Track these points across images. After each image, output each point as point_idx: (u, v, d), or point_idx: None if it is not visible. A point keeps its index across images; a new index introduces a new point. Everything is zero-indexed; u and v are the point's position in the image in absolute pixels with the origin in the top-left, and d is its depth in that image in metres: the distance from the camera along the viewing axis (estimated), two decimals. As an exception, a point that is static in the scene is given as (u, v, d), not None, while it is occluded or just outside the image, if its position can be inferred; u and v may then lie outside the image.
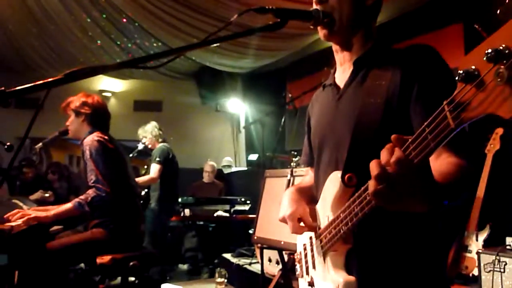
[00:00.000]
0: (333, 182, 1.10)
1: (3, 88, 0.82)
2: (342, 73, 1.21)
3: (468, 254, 2.67)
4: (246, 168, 7.13)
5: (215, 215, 5.60)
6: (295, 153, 4.35)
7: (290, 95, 4.15)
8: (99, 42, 6.28)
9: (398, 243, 1.04)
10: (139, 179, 4.35)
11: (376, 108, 1.03)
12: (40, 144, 2.83)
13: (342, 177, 1.01)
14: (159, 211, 4.44)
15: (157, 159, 4.34)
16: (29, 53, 6.62)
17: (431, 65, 1.01)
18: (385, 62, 1.08)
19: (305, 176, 1.47)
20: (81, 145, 2.54)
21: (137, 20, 5.70)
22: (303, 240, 1.28)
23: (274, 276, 3.22)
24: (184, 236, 5.45)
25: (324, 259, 1.10)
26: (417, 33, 4.39)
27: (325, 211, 1.13)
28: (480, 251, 2.40)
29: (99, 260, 2.30)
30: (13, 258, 2.80)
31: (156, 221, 4.41)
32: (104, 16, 5.76)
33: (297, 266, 1.33)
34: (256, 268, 3.96)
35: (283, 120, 4.29)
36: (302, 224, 1.20)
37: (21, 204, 2.50)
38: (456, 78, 0.65)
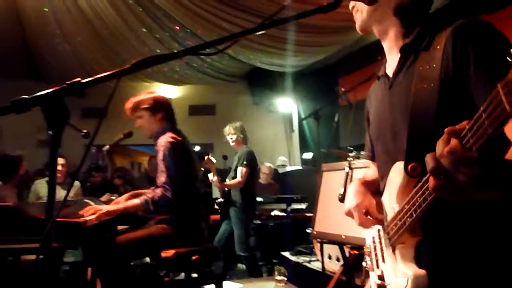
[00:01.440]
0: (397, 172, 1.07)
1: (79, 79, 0.88)
2: (391, 62, 1.18)
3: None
4: (300, 167, 7.09)
5: (272, 214, 5.62)
6: (351, 148, 4.26)
7: (343, 89, 4.06)
8: (158, 51, 6.58)
9: (470, 233, 0.97)
10: (226, 184, 4.47)
11: (431, 93, 0.98)
12: (107, 146, 3.00)
13: (405, 167, 0.98)
14: (244, 213, 4.48)
15: (244, 162, 4.41)
16: (91, 63, 7.08)
17: (486, 38, 0.93)
18: (435, 44, 1.02)
19: (368, 169, 1.44)
20: (155, 145, 2.58)
21: (188, 27, 5.90)
22: (371, 233, 1.26)
23: (335, 273, 3.16)
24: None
25: (393, 252, 1.07)
26: (477, 14, 4.13)
27: (390, 203, 1.10)
28: None
29: (163, 254, 2.39)
30: (86, 251, 3.01)
31: (241, 223, 4.47)
32: (158, 25, 6.03)
33: (367, 259, 1.30)
34: (315, 265, 3.91)
35: (337, 116, 4.20)
36: (368, 217, 1.18)
37: (92, 203, 2.66)
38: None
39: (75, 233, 1.96)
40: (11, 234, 1.90)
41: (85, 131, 0.91)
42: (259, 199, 5.27)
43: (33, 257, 3.64)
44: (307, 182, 6.06)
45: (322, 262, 3.07)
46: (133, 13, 5.77)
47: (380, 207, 1.18)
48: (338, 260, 3.41)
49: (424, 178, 0.86)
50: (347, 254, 2.87)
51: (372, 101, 1.30)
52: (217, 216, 4.73)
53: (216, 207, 4.61)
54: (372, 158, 1.36)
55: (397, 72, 1.12)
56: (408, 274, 0.97)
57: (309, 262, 4.05)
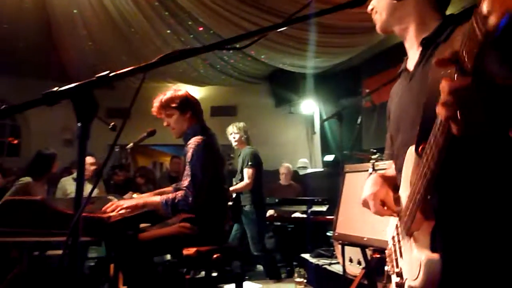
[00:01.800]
0: (409, 158, 1.06)
1: (108, 72, 0.90)
2: (412, 57, 1.19)
3: None
4: (322, 169, 7.03)
5: (292, 216, 5.59)
6: (375, 150, 4.19)
7: (367, 90, 4.00)
8: (197, 59, 6.67)
9: (486, 217, 0.95)
10: (235, 188, 4.46)
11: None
12: (131, 144, 3.05)
13: (416, 149, 0.98)
14: (255, 213, 4.47)
15: (250, 163, 4.39)
16: (116, 64, 7.22)
17: None
18: (454, 35, 1.04)
19: (388, 169, 1.43)
20: (185, 144, 2.56)
21: (211, 28, 5.95)
22: (391, 233, 1.25)
23: (355, 276, 3.11)
24: (262, 237, 5.50)
25: (409, 242, 1.04)
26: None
27: (405, 191, 1.08)
28: None
29: (185, 252, 2.41)
30: (109, 247, 3.06)
31: (253, 224, 4.46)
32: (182, 26, 6.10)
33: (388, 262, 1.28)
34: (336, 268, 3.87)
35: (360, 118, 4.15)
36: (385, 208, 1.18)
37: (115, 200, 2.71)
38: None
39: (98, 228, 2.00)
40: (38, 228, 1.95)
41: (112, 123, 0.93)
42: (278, 200, 5.26)
43: (58, 252, 3.75)
44: (328, 184, 6.00)
45: (343, 265, 3.02)
46: (157, 14, 5.85)
47: (398, 201, 1.17)
48: (359, 263, 3.36)
49: (427, 146, 0.86)
50: (368, 257, 2.83)
51: (393, 99, 1.31)
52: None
53: None
54: (393, 157, 1.35)
55: (417, 65, 1.14)
56: (421, 258, 0.94)
57: (329, 264, 4.01)
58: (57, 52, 7.14)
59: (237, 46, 0.98)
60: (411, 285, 0.99)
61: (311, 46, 5.60)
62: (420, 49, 1.13)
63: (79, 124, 0.87)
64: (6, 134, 8.56)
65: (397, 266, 1.15)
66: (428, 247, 0.97)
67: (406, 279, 1.06)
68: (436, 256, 0.93)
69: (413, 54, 1.18)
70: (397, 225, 1.17)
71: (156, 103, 2.58)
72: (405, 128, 1.16)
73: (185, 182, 2.41)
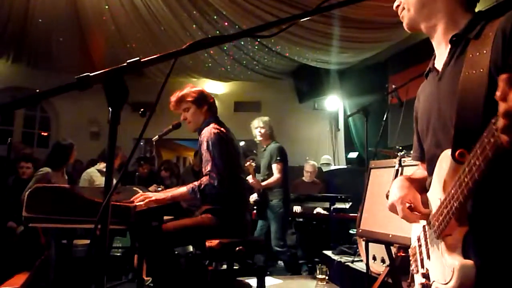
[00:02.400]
0: (444, 161, 1.04)
1: (139, 58, 0.91)
2: (440, 56, 1.16)
3: None
4: (345, 166, 6.95)
5: (314, 212, 5.56)
6: (400, 147, 4.10)
7: (393, 86, 3.91)
8: (217, 50, 6.72)
9: None
10: (268, 182, 4.46)
11: (481, 79, 0.96)
12: (156, 137, 3.08)
13: (453, 153, 0.95)
14: (282, 208, 4.46)
15: (278, 158, 4.39)
16: (144, 61, 7.35)
17: None
18: (486, 32, 1.00)
19: (417, 169, 1.41)
20: (199, 136, 2.63)
21: (237, 22, 5.96)
22: (416, 232, 1.23)
23: (379, 275, 3.06)
24: (284, 233, 5.49)
25: (439, 245, 1.03)
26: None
27: (436, 194, 1.06)
28: None
29: (208, 244, 2.42)
30: (134, 237, 3.11)
31: (278, 218, 4.45)
32: (208, 21, 6.14)
33: (412, 261, 1.26)
34: (359, 266, 3.82)
35: (385, 115, 4.07)
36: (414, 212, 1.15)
37: (140, 191, 2.75)
38: None
39: (124, 216, 2.04)
40: (66, 215, 2.00)
41: (142, 109, 0.94)
42: (301, 196, 5.23)
43: (85, 241, 3.85)
44: (351, 181, 5.94)
45: (367, 262, 2.97)
46: (184, 9, 5.91)
47: (425, 203, 1.15)
48: (383, 261, 3.30)
49: (471, 154, 0.82)
50: (393, 255, 2.78)
51: (421, 99, 1.28)
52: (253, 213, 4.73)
53: (252, 203, 4.59)
54: (420, 158, 1.34)
55: (447, 63, 1.11)
56: (454, 264, 0.94)
57: (352, 262, 3.96)
58: (88, 47, 7.32)
59: (266, 34, 0.96)
60: None
61: (337, 41, 5.54)
62: (449, 47, 1.10)
63: (110, 109, 0.88)
64: (37, 126, 8.84)
65: (422, 267, 1.15)
66: (459, 253, 0.97)
67: (434, 281, 1.05)
68: (470, 262, 0.93)
69: (441, 52, 1.15)
70: (424, 226, 1.16)
71: (173, 98, 2.68)
72: (434, 129, 1.14)
73: (207, 167, 2.45)
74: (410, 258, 1.27)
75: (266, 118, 4.63)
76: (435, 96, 1.15)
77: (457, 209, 0.92)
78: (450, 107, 1.05)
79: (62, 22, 6.67)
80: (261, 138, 4.60)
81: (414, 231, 1.26)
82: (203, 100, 2.66)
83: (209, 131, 2.54)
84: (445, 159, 1.03)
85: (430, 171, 1.16)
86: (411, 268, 1.25)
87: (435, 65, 1.18)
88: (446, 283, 0.95)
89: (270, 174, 4.49)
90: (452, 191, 0.93)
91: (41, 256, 3.39)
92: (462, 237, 0.98)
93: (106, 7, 6.19)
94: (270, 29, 1.00)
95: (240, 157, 2.76)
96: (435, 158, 1.11)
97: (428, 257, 1.10)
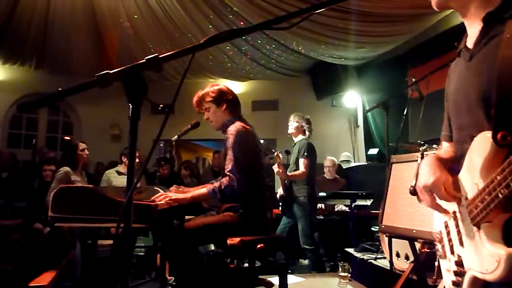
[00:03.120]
0: (482, 144, 0.98)
1: (156, 54, 0.91)
2: (472, 34, 1.12)
3: None
4: (365, 163, 6.86)
5: (335, 209, 5.51)
6: (422, 142, 4.02)
7: (413, 79, 3.84)
8: (228, 47, 6.73)
9: None
10: (292, 174, 4.44)
11: None
12: (176, 136, 3.11)
13: (494, 136, 0.91)
14: (309, 205, 4.44)
15: (305, 154, 4.39)
16: (164, 66, 7.42)
17: None
18: None
19: (444, 148, 1.36)
20: (225, 133, 2.64)
21: (252, 22, 5.95)
22: (443, 218, 1.19)
23: (403, 271, 3.01)
24: (304, 231, 5.46)
25: (476, 233, 0.99)
26: None
27: (472, 179, 1.01)
28: None
29: (229, 241, 2.42)
30: (156, 236, 3.14)
31: (306, 216, 4.42)
32: (224, 21, 6.16)
33: (438, 246, 1.22)
34: (382, 263, 3.76)
35: (405, 109, 4.00)
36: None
37: (161, 191, 2.78)
38: None
39: (146, 215, 2.06)
40: (90, 214, 2.03)
41: (161, 105, 0.94)
42: (322, 194, 5.19)
43: (109, 242, 3.91)
44: (372, 178, 5.85)
45: (391, 258, 2.92)
46: (199, 9, 5.94)
47: (456, 185, 1.10)
48: (407, 258, 3.25)
49: None
50: (417, 251, 2.72)
51: (452, 79, 1.24)
52: (277, 210, 4.71)
53: (278, 198, 4.58)
54: (449, 138, 1.29)
55: (477, 43, 1.07)
56: (500, 254, 0.90)
57: (375, 259, 3.90)
58: (106, 51, 7.45)
59: (285, 25, 0.96)
60: (482, 278, 0.96)
61: (354, 36, 5.47)
62: (481, 25, 1.06)
63: (130, 105, 0.89)
64: (60, 131, 9.05)
65: (453, 253, 1.11)
66: (500, 240, 0.93)
67: (470, 269, 1.02)
68: None
69: (473, 31, 1.11)
70: (455, 211, 1.11)
71: (194, 98, 2.72)
72: (466, 109, 1.10)
73: (229, 166, 2.46)
74: (436, 243, 1.23)
75: (301, 114, 4.69)
76: (464, 77, 1.11)
77: (506, 197, 0.87)
78: (476, 88, 1.02)
79: (81, 28, 6.82)
80: (293, 131, 4.62)
81: (439, 215, 1.21)
82: (222, 99, 2.67)
83: (235, 128, 2.54)
84: (483, 141, 0.98)
85: (460, 153, 1.12)
86: (438, 254, 1.21)
87: (467, 44, 1.13)
88: (490, 273, 0.92)
89: (297, 169, 4.49)
90: (499, 178, 0.88)
91: (67, 255, 3.47)
92: (502, 224, 0.94)
93: (122, 10, 6.29)
94: (288, 20, 0.99)
95: (262, 155, 2.75)
96: (464, 140, 1.07)
97: (461, 243, 1.06)
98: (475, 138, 1.02)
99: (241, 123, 2.61)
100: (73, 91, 0.85)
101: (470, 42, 1.12)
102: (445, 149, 1.32)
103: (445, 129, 1.33)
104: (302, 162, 4.39)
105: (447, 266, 1.15)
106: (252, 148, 2.56)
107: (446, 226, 1.16)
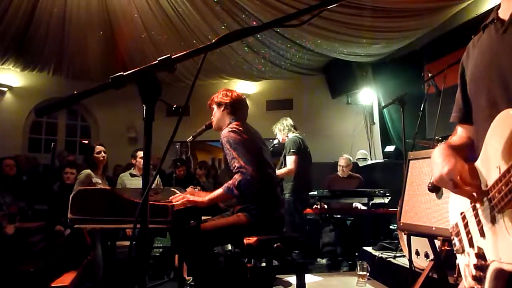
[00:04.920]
0: (504, 123, 0.91)
1: (169, 55, 0.92)
2: (507, 6, 1.05)
3: None
4: (382, 160, 6.78)
5: (353, 206, 5.46)
6: (440, 138, 3.94)
7: (430, 74, 3.77)
8: (246, 49, 6.74)
9: None
10: (278, 172, 4.46)
11: None
12: (191, 137, 3.13)
13: None
14: (293, 201, 4.46)
15: (291, 150, 4.39)
16: (178, 68, 7.49)
17: None
18: None
19: (452, 136, 1.29)
20: (220, 138, 2.66)
21: (264, 20, 5.95)
22: (459, 208, 1.12)
23: (423, 270, 2.96)
24: (321, 230, 5.44)
25: (499, 221, 0.92)
26: None
27: (493, 162, 0.94)
28: None
29: (246, 241, 2.43)
30: (174, 238, 3.17)
31: (293, 211, 4.45)
32: (236, 21, 6.17)
33: (455, 240, 1.16)
34: (401, 261, 3.71)
35: (422, 105, 3.93)
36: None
37: (178, 192, 2.81)
38: None
39: (163, 215, 2.08)
40: (109, 215, 2.06)
41: (175, 106, 0.95)
42: (337, 192, 5.14)
43: (127, 243, 3.96)
44: (389, 176, 5.79)
45: (410, 256, 2.87)
46: (211, 9, 5.97)
47: (473, 173, 1.02)
48: (426, 256, 3.19)
49: None
50: (438, 249, 2.67)
51: (475, 54, 1.16)
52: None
53: None
54: (462, 119, 1.22)
55: None
56: None
57: (394, 258, 3.86)
58: (120, 56, 7.56)
59: (296, 22, 0.95)
60: (509, 269, 0.90)
61: (368, 32, 5.41)
62: None
63: (144, 106, 0.90)
64: (78, 135, 9.22)
65: (472, 246, 1.05)
66: None
67: (494, 261, 0.96)
68: None
69: (508, 3, 1.05)
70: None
71: (209, 100, 2.88)
72: (491, 86, 1.03)
73: (235, 164, 2.46)
74: (452, 237, 1.16)
75: (282, 119, 4.72)
76: (496, 49, 1.04)
77: None
78: None
79: (97, 33, 6.94)
80: (282, 137, 4.66)
81: (454, 207, 1.14)
82: (223, 101, 2.77)
83: (226, 131, 2.59)
84: (506, 120, 0.91)
85: (483, 134, 1.04)
86: (454, 248, 1.14)
87: (500, 15, 1.07)
88: None
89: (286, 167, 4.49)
90: None
91: (87, 256, 3.54)
92: None
93: (136, 15, 6.37)
94: (300, 16, 0.99)
95: (265, 153, 2.75)
96: (490, 119, 0.99)
97: (482, 234, 1.00)
98: (496, 119, 0.94)
99: (233, 124, 2.65)
100: (89, 93, 0.87)
101: (504, 14, 1.05)
102: (460, 134, 1.25)
103: (457, 110, 1.26)
104: (288, 159, 4.39)
105: (465, 261, 1.09)
106: (251, 143, 2.58)
107: (464, 218, 1.09)
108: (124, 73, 0.90)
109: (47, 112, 0.82)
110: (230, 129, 2.59)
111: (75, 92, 0.88)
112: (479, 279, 1.01)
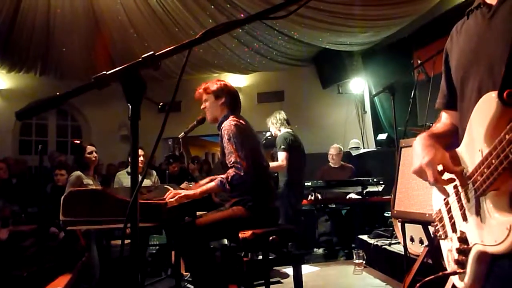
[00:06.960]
0: (487, 105, 0.91)
1: (153, 52, 0.90)
2: None
3: None
4: (375, 149, 6.81)
5: (347, 197, 5.48)
6: (431, 124, 3.96)
7: (419, 61, 3.77)
8: (233, 45, 6.68)
9: None
10: (272, 165, 4.45)
11: None
12: (182, 133, 3.11)
13: (500, 94, 0.85)
14: (288, 195, 4.48)
15: (282, 147, 4.39)
16: (168, 64, 7.41)
17: None
18: None
19: (436, 123, 1.29)
20: (219, 130, 2.67)
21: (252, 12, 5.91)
22: (441, 196, 1.11)
23: (418, 256, 2.99)
24: (317, 220, 5.46)
25: (481, 204, 0.92)
26: None
27: (475, 146, 0.95)
28: None
29: (241, 235, 2.43)
30: (169, 234, 3.16)
31: (287, 204, 4.46)
32: (224, 14, 6.11)
33: (438, 226, 1.17)
34: (396, 248, 3.75)
35: (413, 92, 3.94)
36: (445, 173, 1.03)
37: (171, 189, 2.79)
38: None
39: (156, 214, 2.07)
40: (101, 216, 2.05)
41: (161, 103, 0.93)
42: (331, 182, 5.16)
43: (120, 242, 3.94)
44: (382, 164, 5.81)
45: (405, 244, 2.90)
46: (198, 3, 5.90)
47: (455, 160, 1.02)
48: (421, 242, 3.22)
49: None
50: (431, 235, 2.69)
51: (459, 40, 1.14)
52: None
53: None
54: (447, 105, 1.22)
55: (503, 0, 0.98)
56: (510, 221, 0.83)
57: (389, 245, 3.89)
58: (109, 54, 7.47)
59: (283, 13, 0.94)
60: (491, 251, 0.90)
61: (356, 21, 5.39)
62: None
63: (129, 105, 0.88)
64: (69, 135, 9.13)
65: (455, 231, 1.05)
66: (509, 209, 0.87)
67: (475, 244, 0.96)
68: None
69: None
70: (456, 186, 1.04)
71: (199, 89, 2.78)
72: (478, 72, 1.02)
73: (231, 158, 2.47)
74: (435, 224, 1.16)
75: (275, 112, 4.70)
76: (483, 35, 1.03)
77: None
78: (503, 47, 0.93)
79: (83, 32, 6.84)
80: (275, 131, 4.64)
81: (437, 194, 1.14)
82: (221, 93, 2.72)
83: (228, 123, 2.57)
84: (486, 103, 0.91)
85: (463, 124, 1.04)
86: (437, 234, 1.16)
87: (487, 0, 1.05)
88: (499, 243, 0.86)
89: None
90: (508, 136, 0.81)
91: (81, 258, 3.52)
92: (509, 191, 0.87)
93: (122, 12, 6.28)
94: (286, 7, 0.97)
95: (260, 147, 2.76)
96: (472, 108, 0.98)
97: (465, 218, 1.00)
98: (479, 102, 0.94)
99: (235, 118, 2.63)
100: (71, 95, 0.85)
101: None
102: (444, 121, 1.25)
103: (442, 96, 1.25)
104: (279, 155, 4.40)
105: (448, 246, 1.10)
106: (249, 140, 2.57)
107: (447, 203, 1.09)
108: (107, 72, 0.88)
109: (27, 115, 0.80)
110: (233, 123, 2.57)
111: (57, 94, 0.86)
112: (461, 263, 1.01)
